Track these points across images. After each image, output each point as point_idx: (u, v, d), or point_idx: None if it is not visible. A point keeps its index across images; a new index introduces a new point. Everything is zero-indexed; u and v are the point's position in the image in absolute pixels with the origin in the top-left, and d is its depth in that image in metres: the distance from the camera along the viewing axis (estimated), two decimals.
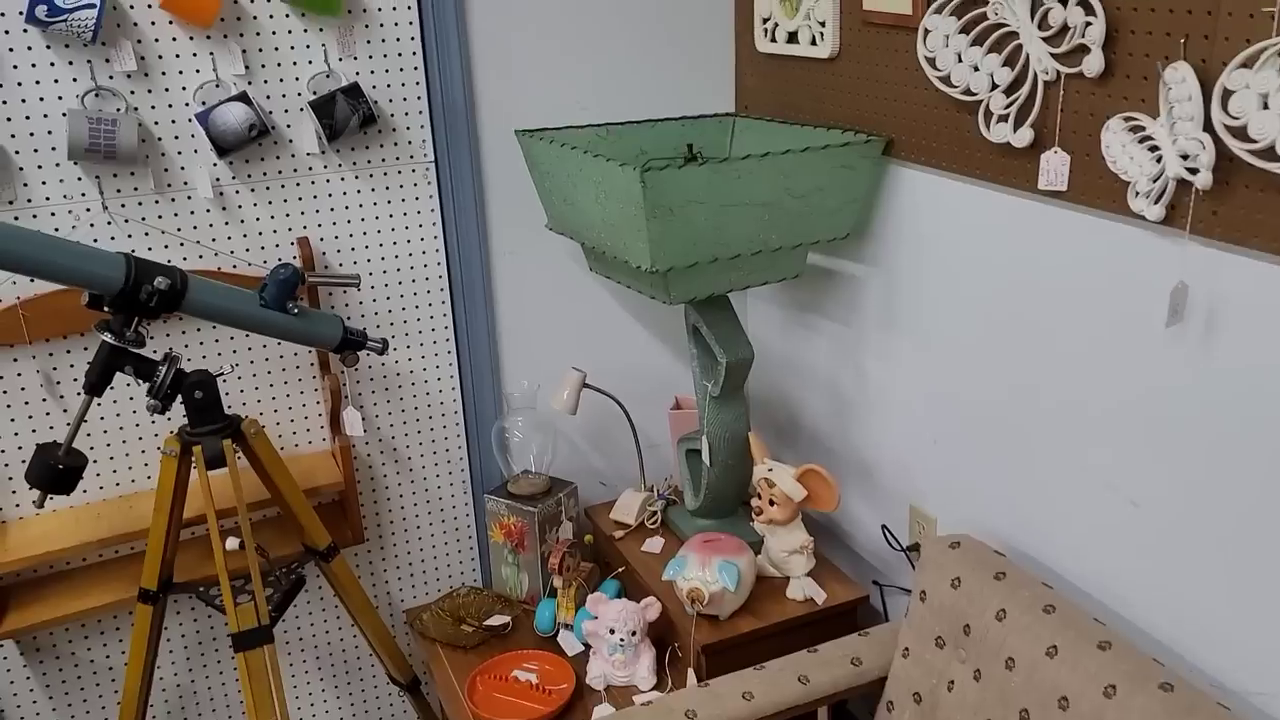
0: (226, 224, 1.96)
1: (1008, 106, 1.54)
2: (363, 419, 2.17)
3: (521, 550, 2.17)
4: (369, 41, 1.96)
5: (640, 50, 2.19)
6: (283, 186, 1.98)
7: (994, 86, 1.56)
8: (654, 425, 2.43)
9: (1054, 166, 1.49)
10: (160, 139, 1.86)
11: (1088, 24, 1.38)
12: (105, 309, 1.61)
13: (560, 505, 2.18)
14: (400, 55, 2.00)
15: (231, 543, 1.77)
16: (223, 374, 1.76)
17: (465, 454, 2.29)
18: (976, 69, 1.58)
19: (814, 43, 1.97)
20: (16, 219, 1.81)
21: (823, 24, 1.93)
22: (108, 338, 1.60)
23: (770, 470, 1.92)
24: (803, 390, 2.27)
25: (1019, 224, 1.60)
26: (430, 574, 2.35)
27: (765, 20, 2.11)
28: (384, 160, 2.05)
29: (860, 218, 1.94)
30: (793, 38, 2.04)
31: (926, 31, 1.66)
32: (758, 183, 1.73)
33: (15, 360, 1.87)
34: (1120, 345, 1.46)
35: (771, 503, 1.92)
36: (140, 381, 1.66)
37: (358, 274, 1.87)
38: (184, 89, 1.85)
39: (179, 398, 1.69)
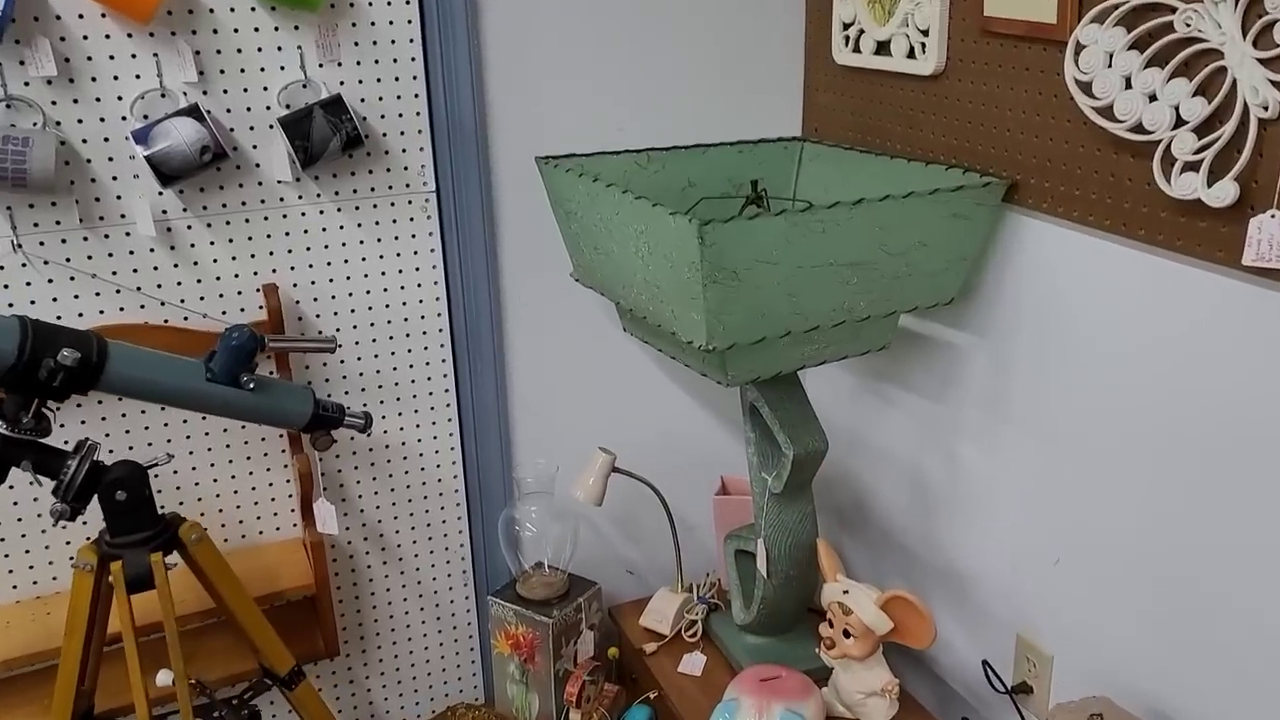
0: (175, 267, 1.58)
1: (1200, 150, 1.14)
2: (342, 506, 1.78)
3: (532, 666, 1.78)
4: (356, 44, 1.58)
5: (690, 60, 1.80)
6: (246, 221, 1.60)
7: (1179, 123, 1.16)
8: (692, 506, 2.04)
9: (1269, 235, 1.09)
10: (90, 161, 1.49)
11: None
12: None
13: (580, 612, 1.79)
14: (396, 62, 1.61)
15: (163, 677, 1.39)
16: (156, 465, 1.38)
17: (468, 545, 1.90)
18: (1154, 98, 1.18)
19: (912, 55, 1.57)
20: None
21: (925, 32, 1.53)
22: None
23: (846, 594, 1.53)
24: (874, 473, 1.87)
25: (1205, 307, 1.19)
26: (423, 687, 1.96)
27: (847, 26, 1.71)
28: (373, 190, 1.66)
29: (969, 277, 1.54)
30: (883, 48, 1.64)
31: (1080, 46, 1.26)
32: (847, 237, 1.34)
33: None
34: None
35: (847, 634, 1.52)
36: (41, 480, 1.28)
37: (333, 336, 1.49)
38: (120, 99, 1.48)
39: (95, 498, 1.32)
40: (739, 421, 2.04)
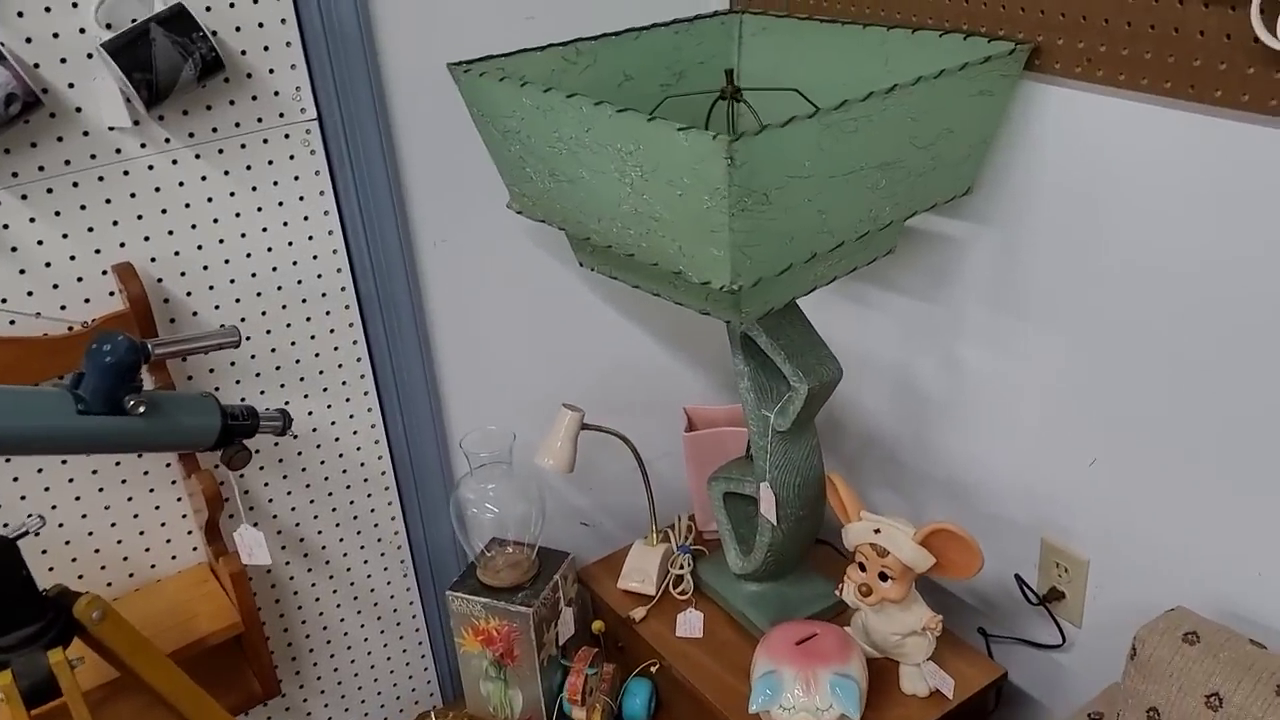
0: None
1: None
2: (250, 517, 1.46)
3: (510, 662, 1.54)
4: None
5: None
6: (74, 186, 1.21)
7: None
8: (653, 442, 1.81)
9: None
10: None
11: None
12: None
13: (558, 590, 1.56)
14: None
15: None
16: (26, 533, 1.03)
17: (404, 538, 1.62)
18: None
19: None
20: None
21: None
22: None
23: (878, 533, 1.36)
24: (862, 389, 1.70)
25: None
26: (377, 705, 1.69)
27: None
28: (238, 126, 1.29)
29: (986, 161, 1.34)
30: None
31: None
32: (879, 134, 1.10)
33: None
34: None
35: (884, 576, 1.37)
36: None
37: (235, 329, 1.14)
38: None
39: None
40: (700, 349, 1.82)
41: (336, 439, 1.51)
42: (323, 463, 1.51)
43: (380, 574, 1.62)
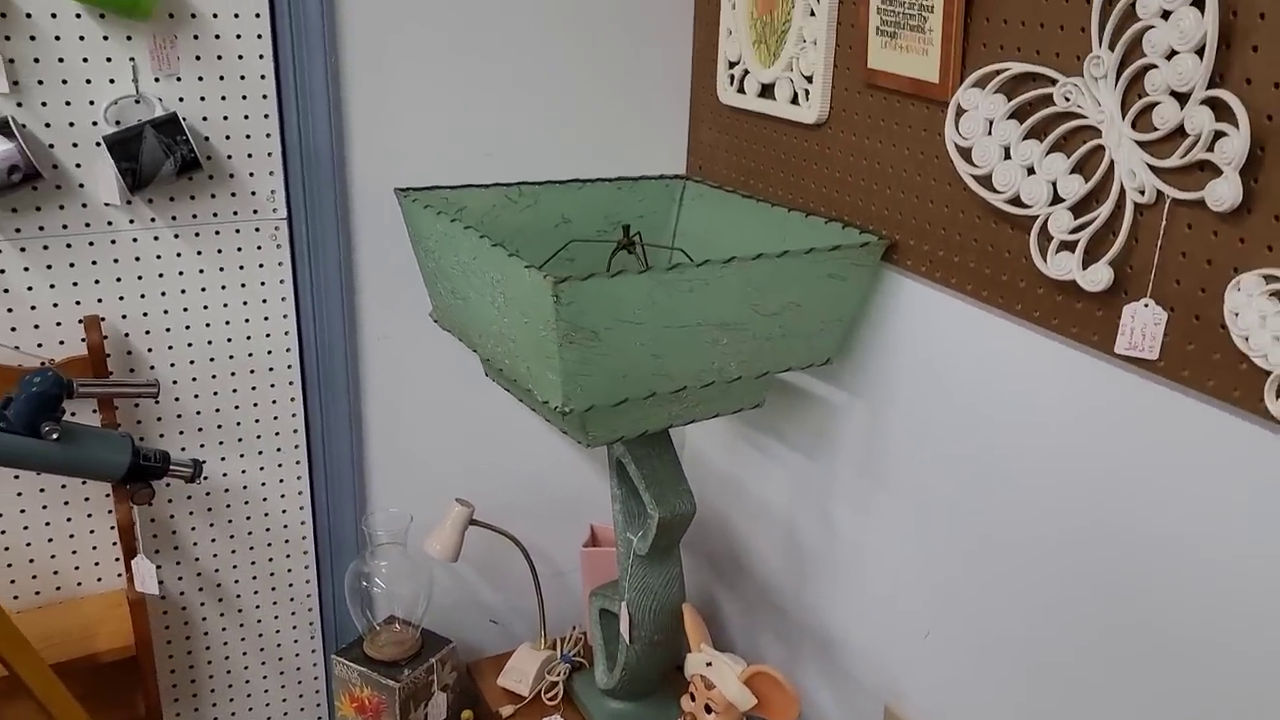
0: None
1: (1076, 230, 1.09)
2: (175, 556, 1.63)
3: None
4: (198, 57, 1.44)
5: (570, 89, 1.70)
6: (68, 247, 1.45)
7: (1057, 200, 1.11)
8: (561, 552, 1.94)
9: (1142, 325, 1.05)
10: None
11: (1219, 134, 0.94)
12: None
13: (432, 673, 1.68)
14: (244, 79, 1.48)
15: None
16: None
17: (316, 599, 1.77)
18: (1032, 172, 1.13)
19: (795, 101, 1.51)
20: None
21: (809, 78, 1.47)
22: None
23: (710, 666, 1.45)
24: (749, 525, 1.81)
25: (1078, 389, 1.14)
26: None
27: (733, 65, 1.64)
28: (216, 215, 1.52)
29: (846, 337, 1.47)
30: (767, 91, 1.57)
31: (960, 110, 1.20)
32: (717, 297, 1.26)
33: None
34: (1228, 575, 1.02)
35: (708, 709, 1.45)
36: None
37: (154, 381, 1.34)
38: None
39: None
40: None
41: (264, 499, 1.69)
42: (248, 518, 1.69)
43: (289, 630, 1.77)
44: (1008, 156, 1.16)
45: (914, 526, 1.43)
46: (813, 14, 1.43)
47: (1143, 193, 1.02)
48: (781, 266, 1.29)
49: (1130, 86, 1.02)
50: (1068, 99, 1.08)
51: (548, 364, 1.22)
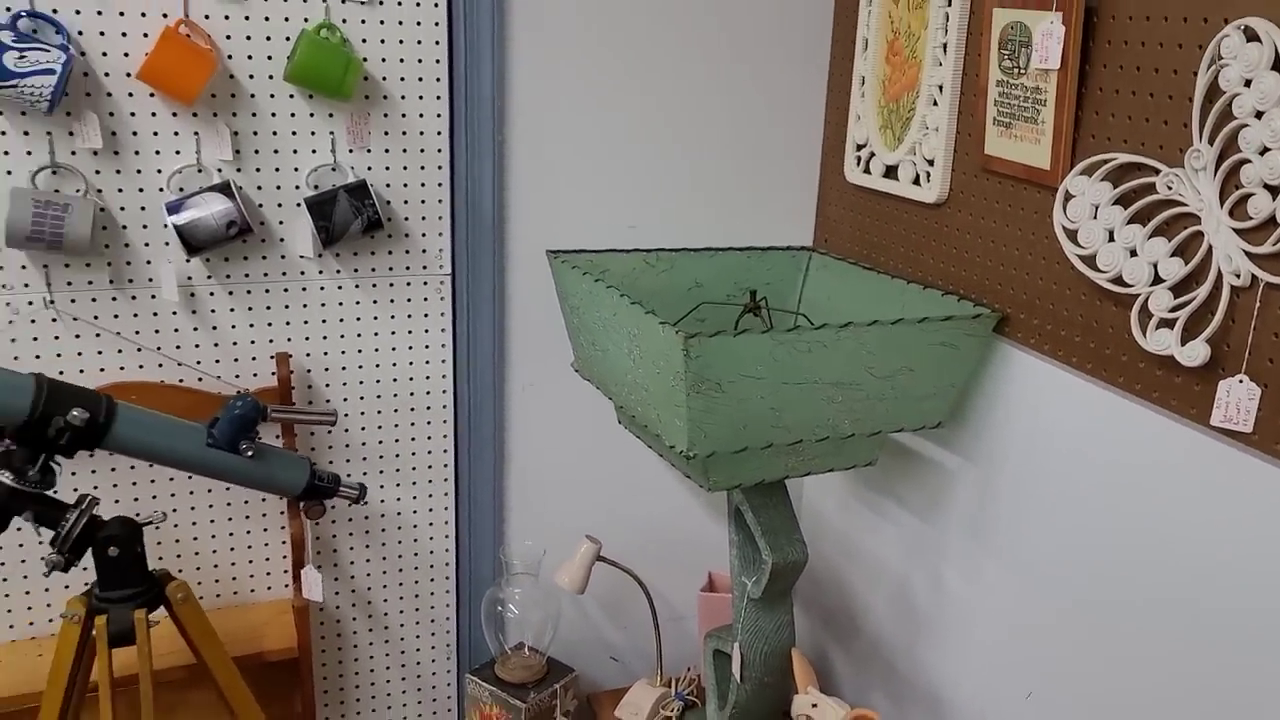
0: (195, 330, 1.65)
1: (1175, 309, 1.16)
2: (334, 571, 1.82)
3: None
4: (386, 133, 1.66)
5: (707, 166, 1.86)
6: (266, 292, 1.68)
7: (1157, 280, 1.18)
8: (680, 597, 2.05)
9: (1236, 399, 1.11)
10: (125, 227, 1.57)
11: None
12: (7, 441, 1.30)
13: (555, 699, 1.81)
14: (423, 152, 1.69)
15: None
16: (151, 523, 1.44)
17: (454, 620, 1.93)
18: (1134, 254, 1.21)
19: (917, 182, 1.62)
20: None
21: (930, 162, 1.58)
22: (5, 478, 1.29)
23: (814, 706, 1.53)
24: (864, 583, 1.88)
25: (1176, 461, 1.20)
26: None
27: (860, 147, 1.76)
28: (391, 269, 1.73)
29: (958, 402, 1.56)
30: (891, 172, 1.69)
31: (1069, 195, 1.29)
32: (832, 358, 1.37)
33: None
34: None
35: None
36: (41, 531, 1.34)
37: (334, 411, 1.54)
38: (159, 172, 1.56)
39: (90, 552, 1.37)
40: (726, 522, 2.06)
41: (415, 525, 1.87)
42: (400, 542, 1.87)
43: (428, 647, 1.93)
44: (1112, 239, 1.24)
45: (1019, 589, 1.49)
46: (935, 104, 1.55)
47: (1238, 276, 1.09)
48: (896, 333, 1.39)
49: (1228, 178, 1.10)
50: (1169, 187, 1.16)
51: (676, 411, 1.35)
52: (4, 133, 1.47)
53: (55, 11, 1.44)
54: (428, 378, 1.80)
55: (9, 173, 1.49)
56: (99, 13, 1.47)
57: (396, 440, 1.81)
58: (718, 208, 1.88)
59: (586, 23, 1.72)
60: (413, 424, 1.82)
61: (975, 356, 1.49)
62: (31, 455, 1.31)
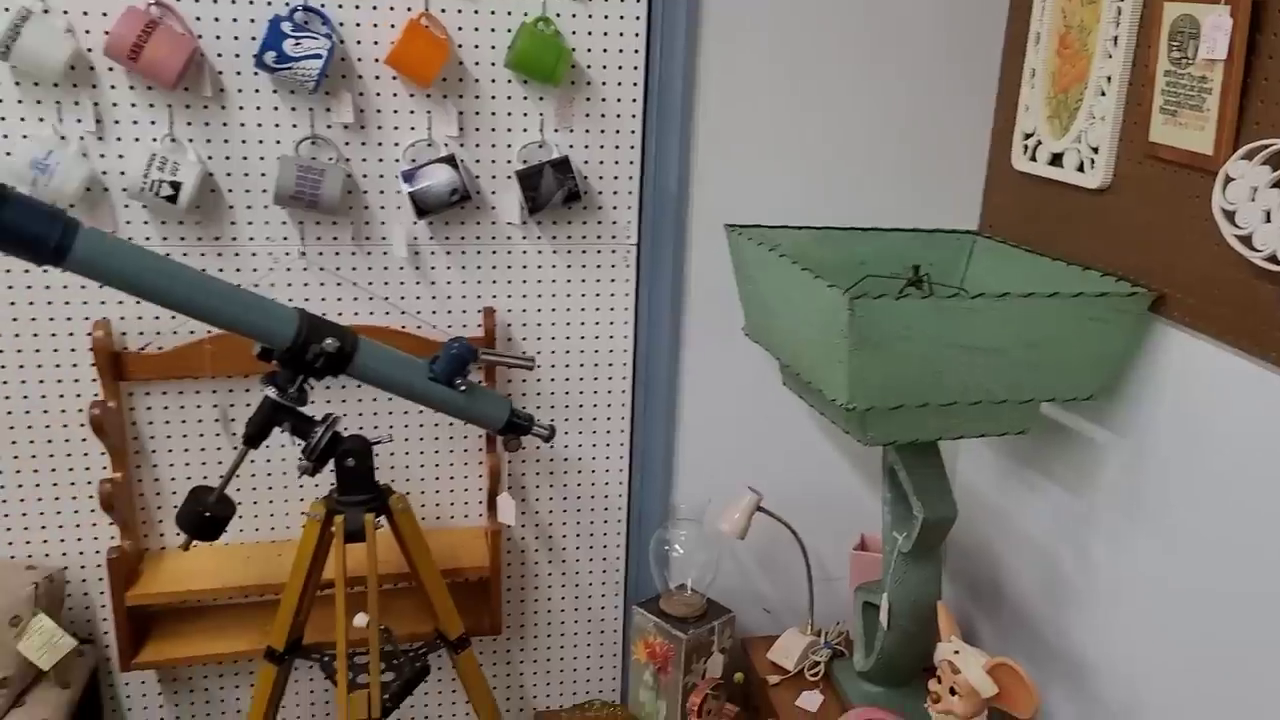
0: (417, 284, 1.90)
1: None
2: (520, 505, 2.05)
3: (664, 675, 1.97)
4: (588, 115, 1.86)
5: (879, 151, 1.99)
6: (478, 253, 1.91)
7: None
8: (833, 559, 2.19)
9: None
10: (365, 192, 1.83)
11: None
12: (273, 362, 1.57)
13: (714, 634, 1.98)
14: (619, 133, 1.89)
15: (359, 619, 1.67)
16: (380, 442, 1.68)
17: (623, 557, 2.13)
18: None
19: (1081, 169, 1.70)
20: (220, 256, 1.81)
21: (1095, 150, 1.66)
22: (271, 392, 1.55)
23: (957, 653, 1.64)
24: (1012, 554, 1.97)
25: None
26: (567, 678, 2.20)
27: (1028, 136, 1.85)
28: (584, 238, 1.94)
29: (1109, 377, 1.64)
30: (1057, 160, 1.77)
31: (1229, 179, 1.36)
32: (987, 325, 1.48)
33: (197, 394, 1.88)
34: None
35: (953, 691, 1.64)
36: (296, 440, 1.60)
37: (532, 357, 1.76)
38: (396, 145, 1.81)
39: (331, 461, 1.63)
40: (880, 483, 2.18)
41: (593, 470, 2.07)
42: (579, 484, 2.07)
43: (599, 581, 2.14)
44: (1269, 220, 1.31)
45: (1169, 564, 1.55)
46: (1103, 94, 1.63)
47: None
48: (1050, 306, 1.49)
49: None
50: None
51: (838, 367, 1.49)
52: (277, 108, 1.75)
53: (323, 5, 1.71)
54: (611, 337, 2.00)
55: (278, 142, 1.77)
56: (357, 6, 1.72)
57: (580, 391, 2.02)
58: (886, 192, 2.01)
59: (771, 17, 1.88)
60: (595, 377, 2.02)
61: (1129, 333, 1.57)
62: (291, 376, 1.57)
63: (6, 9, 1.60)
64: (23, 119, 1.67)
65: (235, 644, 1.88)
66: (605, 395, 2.03)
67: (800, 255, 1.88)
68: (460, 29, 1.77)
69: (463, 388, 1.66)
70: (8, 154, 1.68)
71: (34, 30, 1.57)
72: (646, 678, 2.01)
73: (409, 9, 1.74)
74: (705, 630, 1.96)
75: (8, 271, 1.74)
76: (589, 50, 1.83)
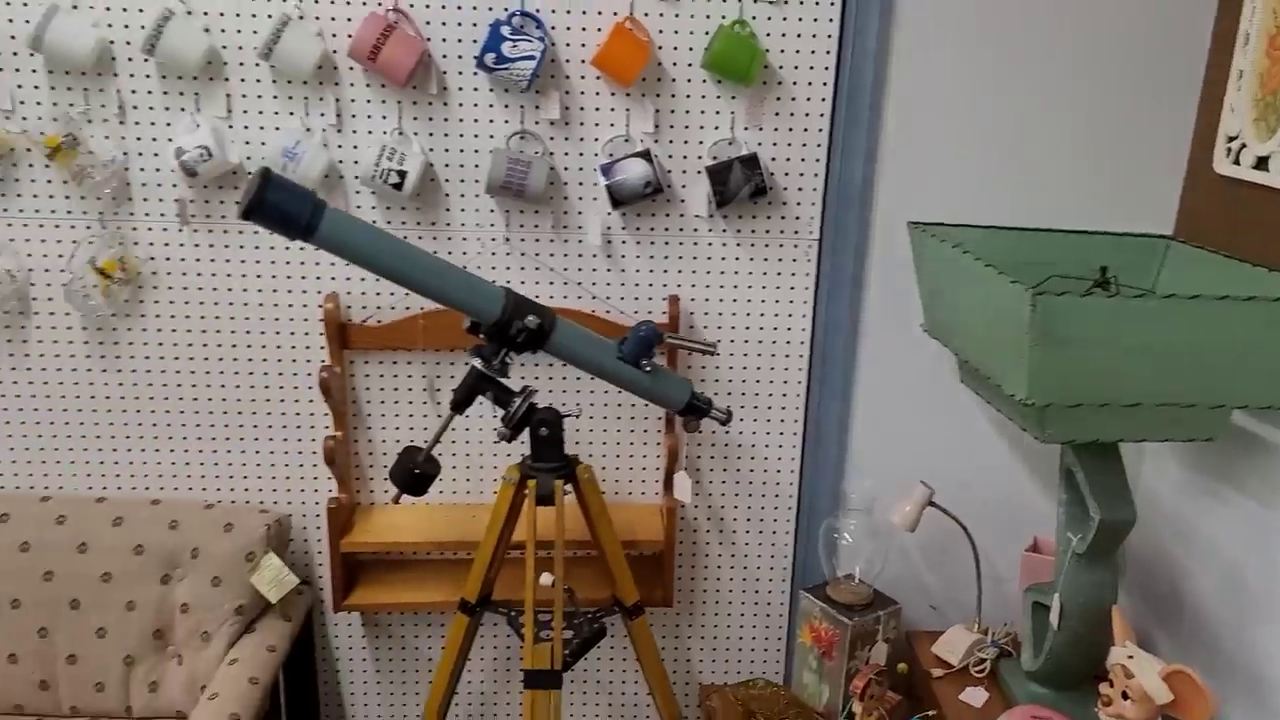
0: (609, 271, 2.03)
1: None
2: (694, 485, 2.15)
3: (828, 659, 2.03)
4: (777, 114, 1.94)
5: (1069, 153, 1.98)
6: (666, 244, 2.02)
7: None
8: (1003, 559, 2.18)
9: None
10: (566, 184, 1.97)
11: None
12: (480, 336, 1.71)
13: (879, 623, 2.01)
14: (806, 130, 1.95)
15: (545, 579, 1.80)
16: (571, 416, 1.81)
17: (792, 542, 2.19)
18: None
19: None
20: (435, 239, 1.99)
21: None
22: (477, 363, 1.70)
23: (1131, 658, 1.63)
24: (1193, 565, 1.92)
25: None
26: (732, 655, 2.28)
27: (1231, 139, 1.81)
28: (768, 232, 2.01)
29: None
30: (1262, 164, 1.72)
31: None
32: (1177, 327, 1.47)
33: (409, 364, 2.06)
34: None
35: (1125, 696, 1.63)
36: (496, 409, 1.74)
37: (716, 343, 1.85)
38: (595, 140, 1.94)
39: (527, 430, 1.77)
40: (1056, 484, 2.16)
41: (766, 456, 2.15)
42: (751, 470, 2.15)
43: (767, 564, 2.21)
44: None
45: None
46: None
47: None
48: (1246, 309, 1.47)
49: None
50: None
51: (1018, 363, 1.52)
52: (491, 105, 1.91)
53: (538, 10, 1.85)
54: (789, 328, 2.07)
55: (491, 136, 1.93)
56: (568, 11, 1.86)
57: (757, 379, 2.10)
58: (1074, 193, 1.99)
59: (963, 20, 1.90)
60: (772, 367, 2.10)
61: None
62: (496, 350, 1.71)
63: (269, 15, 1.82)
64: (276, 113, 1.89)
65: (432, 595, 2.06)
66: (781, 384, 2.10)
67: (984, 254, 1.89)
68: (661, 31, 1.88)
69: (648, 368, 1.77)
70: (263, 144, 1.90)
71: (292, 35, 1.78)
72: (811, 661, 2.07)
73: (615, 13, 1.86)
74: (871, 619, 2.00)
75: (256, 249, 1.97)
76: (781, 51, 1.90)
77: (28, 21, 1.81)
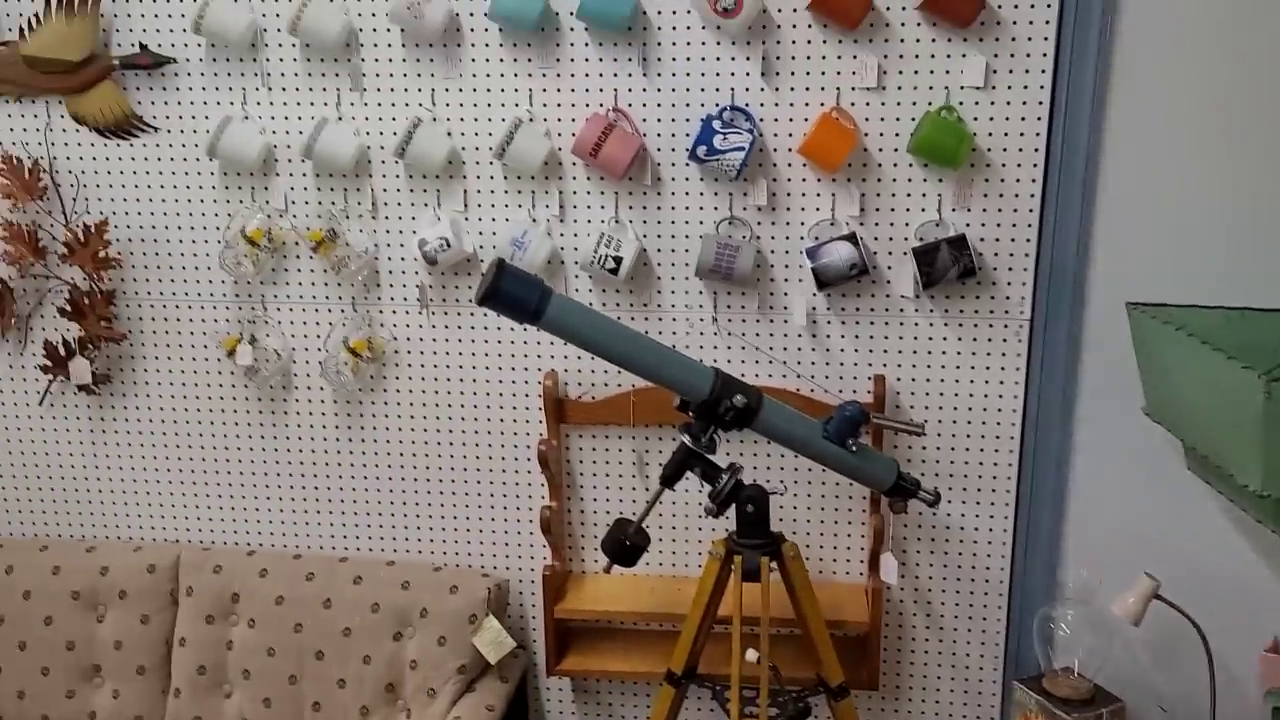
0: (813, 350, 2.07)
1: None
2: (900, 567, 2.13)
3: None
4: (985, 195, 1.95)
5: None
6: (871, 323, 2.04)
7: None
8: (1239, 660, 2.02)
9: None
10: (772, 266, 2.04)
11: None
12: (689, 414, 1.79)
13: None
14: (1015, 210, 1.95)
15: (750, 655, 1.83)
16: (776, 493, 1.85)
17: (1003, 630, 2.13)
18: None
19: None
20: (647, 320, 2.10)
21: None
22: (686, 440, 1.77)
23: None
24: None
25: None
26: None
27: None
28: (976, 312, 2.01)
29: None
30: None
31: None
32: None
33: (620, 438, 2.16)
34: None
35: None
36: (704, 484, 1.80)
37: (923, 424, 1.85)
38: (801, 224, 2.01)
39: (733, 506, 1.81)
40: None
41: (975, 539, 2.10)
42: (960, 552, 2.11)
43: (977, 650, 2.15)
44: None
45: None
46: None
47: None
48: None
49: None
50: None
51: (1251, 452, 1.45)
52: (702, 193, 2.02)
53: (747, 105, 1.95)
54: (999, 410, 2.04)
55: (701, 222, 2.03)
56: (776, 104, 1.95)
57: (965, 461, 2.07)
58: None
59: (1181, 90, 1.85)
60: (981, 449, 2.06)
61: None
62: (704, 427, 1.77)
63: (503, 119, 2.00)
64: (506, 205, 2.07)
65: (639, 665, 2.12)
66: (990, 467, 2.07)
67: (1210, 336, 1.81)
68: (867, 119, 1.94)
69: (854, 447, 1.79)
70: (494, 234, 2.08)
71: (524, 136, 1.95)
72: None
73: (822, 104, 1.94)
74: (1092, 715, 1.90)
75: (485, 329, 2.14)
76: (990, 134, 1.92)
77: (300, 133, 2.07)
